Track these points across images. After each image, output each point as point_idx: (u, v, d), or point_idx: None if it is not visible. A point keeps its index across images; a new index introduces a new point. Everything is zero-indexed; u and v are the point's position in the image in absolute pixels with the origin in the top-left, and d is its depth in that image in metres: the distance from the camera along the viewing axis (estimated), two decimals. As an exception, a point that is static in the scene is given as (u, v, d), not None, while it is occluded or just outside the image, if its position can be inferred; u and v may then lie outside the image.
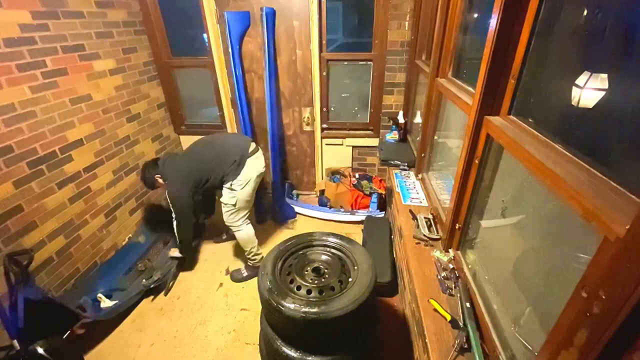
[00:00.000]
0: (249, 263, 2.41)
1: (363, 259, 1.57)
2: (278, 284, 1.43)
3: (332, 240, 1.71)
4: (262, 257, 2.34)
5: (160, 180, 2.18)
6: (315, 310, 1.30)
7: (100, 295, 2.11)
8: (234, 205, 2.16)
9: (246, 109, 2.90)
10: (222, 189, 2.17)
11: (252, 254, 2.34)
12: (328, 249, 1.70)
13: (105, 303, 2.08)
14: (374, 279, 1.47)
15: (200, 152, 2.18)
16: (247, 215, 2.29)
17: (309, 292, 1.44)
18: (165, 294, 2.30)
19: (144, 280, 2.28)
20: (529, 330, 0.95)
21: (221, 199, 2.19)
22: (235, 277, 2.41)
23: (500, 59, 1.05)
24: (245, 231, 2.26)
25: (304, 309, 1.30)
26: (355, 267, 1.53)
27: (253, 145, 2.22)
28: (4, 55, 1.73)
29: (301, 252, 1.69)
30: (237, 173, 2.10)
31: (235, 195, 2.14)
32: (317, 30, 2.68)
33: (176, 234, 2.21)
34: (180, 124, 3.31)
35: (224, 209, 2.21)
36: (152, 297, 2.27)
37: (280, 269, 1.56)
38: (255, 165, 2.18)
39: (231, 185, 2.12)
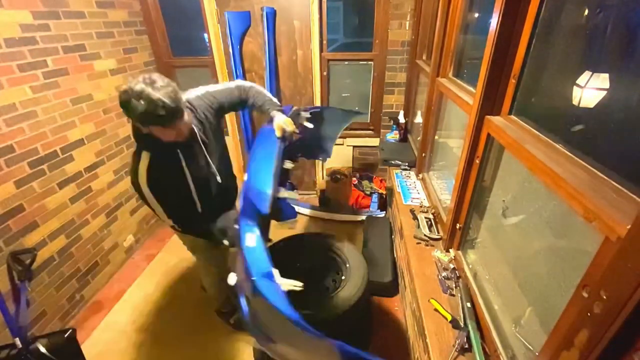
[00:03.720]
0: None
1: (352, 255, 1.57)
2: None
3: (321, 240, 1.71)
4: None
5: None
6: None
7: None
8: None
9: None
10: None
11: None
12: (317, 249, 1.70)
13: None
14: (367, 275, 1.47)
15: None
16: None
17: None
18: None
19: None
20: (529, 330, 0.95)
21: None
22: None
23: (501, 58, 1.05)
24: None
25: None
26: (347, 265, 1.53)
27: None
28: (5, 55, 1.73)
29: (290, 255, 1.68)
30: None
31: None
32: (318, 30, 2.68)
33: None
34: (181, 124, 3.30)
35: None
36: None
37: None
38: None
39: None
